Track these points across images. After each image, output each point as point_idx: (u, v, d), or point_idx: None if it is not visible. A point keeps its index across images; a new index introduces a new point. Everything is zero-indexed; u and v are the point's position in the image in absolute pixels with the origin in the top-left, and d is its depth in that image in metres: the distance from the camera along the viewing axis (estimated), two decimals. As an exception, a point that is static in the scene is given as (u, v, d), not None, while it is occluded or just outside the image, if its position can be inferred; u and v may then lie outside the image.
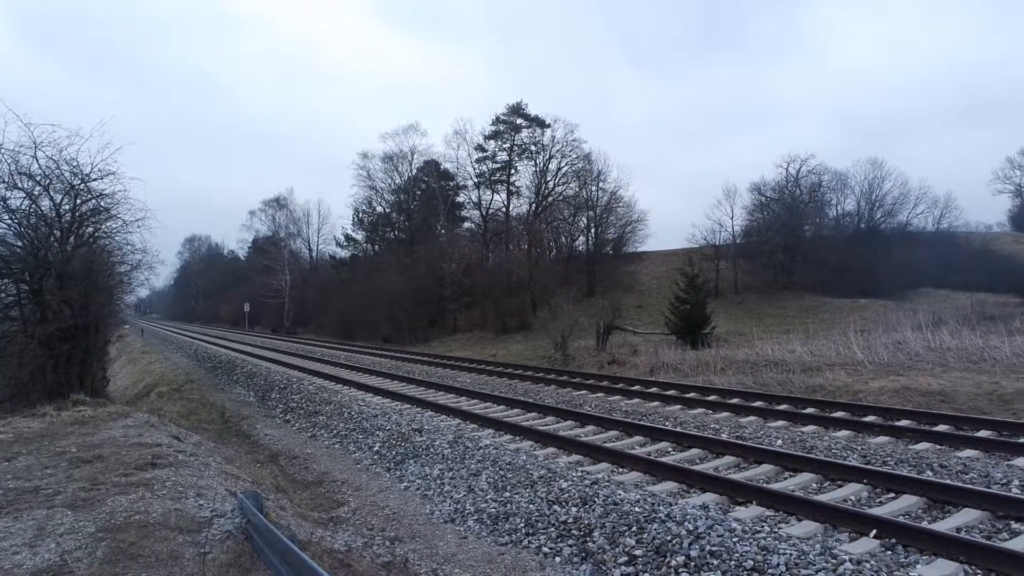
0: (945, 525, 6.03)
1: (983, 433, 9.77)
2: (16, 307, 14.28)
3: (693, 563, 5.42)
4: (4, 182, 13.74)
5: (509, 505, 7.43)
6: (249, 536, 5.50)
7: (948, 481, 7.30)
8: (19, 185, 14.01)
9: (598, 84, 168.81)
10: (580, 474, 7.89)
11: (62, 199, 14.59)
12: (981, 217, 68.27)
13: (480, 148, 52.89)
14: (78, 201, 14.81)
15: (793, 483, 7.64)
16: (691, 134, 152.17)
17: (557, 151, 50.11)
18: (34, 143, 13.66)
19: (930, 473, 7.83)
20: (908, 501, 6.73)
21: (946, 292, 36.92)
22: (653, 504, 6.51)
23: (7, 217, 14.06)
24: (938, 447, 9.14)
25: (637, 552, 5.82)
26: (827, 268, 41.03)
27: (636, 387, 15.88)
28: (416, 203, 55.87)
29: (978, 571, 5.01)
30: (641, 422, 11.16)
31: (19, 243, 14.11)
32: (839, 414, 11.59)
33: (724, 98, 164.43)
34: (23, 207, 14.25)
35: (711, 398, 13.72)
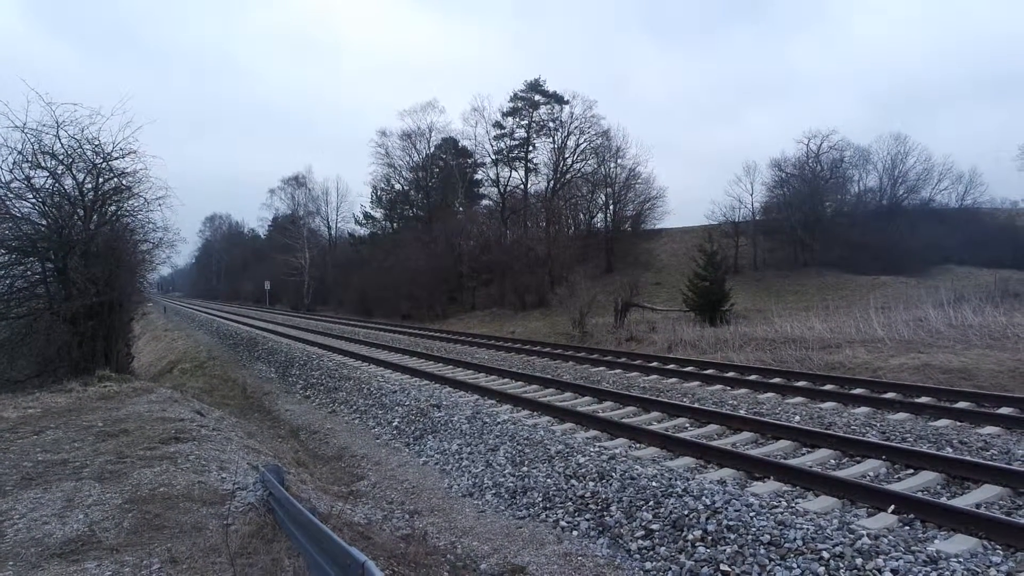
0: (964, 501, 6.01)
1: (1005, 410, 9.66)
2: (42, 285, 14.50)
3: (710, 537, 5.45)
4: (28, 161, 13.91)
5: (527, 480, 7.50)
6: (271, 508, 5.60)
7: (968, 457, 7.25)
8: (43, 164, 14.18)
9: (617, 59, 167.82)
10: (598, 449, 7.93)
11: (85, 178, 14.76)
12: (1006, 193, 67.07)
13: (498, 125, 52.64)
14: (100, 180, 14.97)
15: (811, 459, 7.63)
16: (711, 109, 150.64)
17: (575, 128, 49.83)
18: (56, 122, 13.80)
19: (950, 450, 7.78)
20: (927, 477, 6.70)
21: (969, 269, 36.43)
22: (670, 479, 6.54)
23: (31, 196, 14.27)
24: (958, 424, 9.06)
25: (654, 526, 5.86)
26: (848, 245, 40.58)
27: (654, 364, 15.85)
28: (434, 180, 55.73)
29: (997, 547, 4.99)
30: (659, 398, 11.16)
31: (43, 222, 14.30)
32: (858, 391, 11.51)
33: (745, 71, 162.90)
34: (47, 186, 14.46)
35: (729, 375, 13.67)
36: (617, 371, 14.90)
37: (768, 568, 4.94)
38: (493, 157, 53.42)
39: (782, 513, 5.55)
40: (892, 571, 4.57)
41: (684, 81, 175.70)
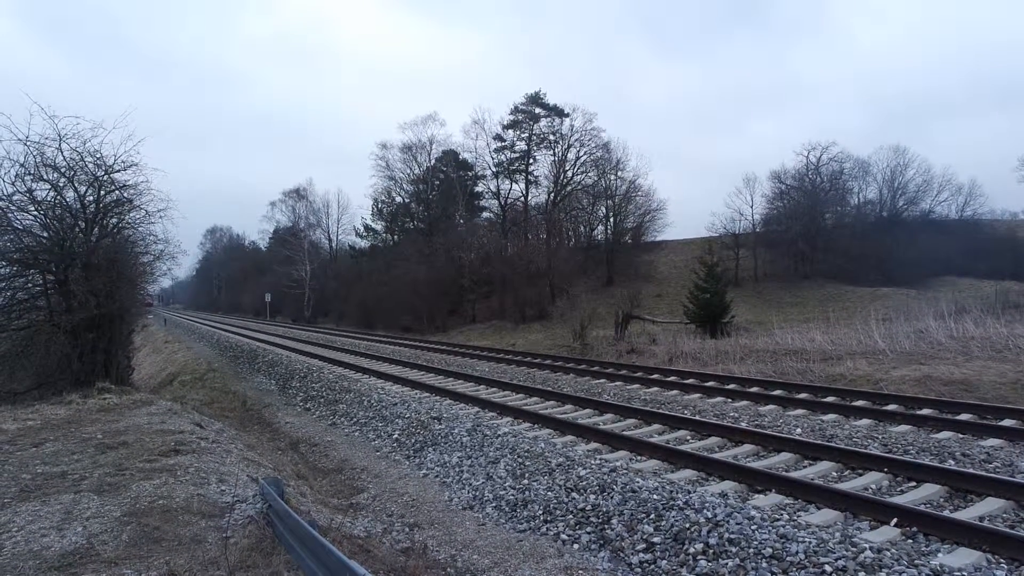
0: (967, 514, 5.98)
1: (1007, 422, 9.64)
2: (43, 297, 14.50)
3: (711, 550, 5.42)
4: (30, 174, 13.94)
5: (527, 492, 7.46)
6: (270, 521, 5.57)
7: (971, 470, 7.22)
8: (44, 177, 14.21)
9: (617, 69, 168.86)
10: (598, 462, 7.90)
11: (86, 190, 14.78)
12: (1006, 204, 67.00)
13: (499, 138, 52.75)
14: (102, 192, 14.99)
15: (813, 471, 7.60)
16: (711, 118, 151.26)
17: (576, 140, 49.95)
18: (59, 135, 13.84)
19: (952, 462, 7.75)
20: (930, 490, 6.67)
21: (970, 280, 36.40)
22: (671, 492, 6.50)
23: (33, 208, 14.28)
24: (961, 436, 9.03)
25: (655, 539, 5.82)
26: (848, 257, 40.63)
27: (655, 376, 15.82)
28: (435, 193, 55.85)
29: (1001, 560, 4.96)
30: (659, 410, 11.13)
31: (45, 234, 14.31)
32: (860, 403, 11.48)
33: (745, 81, 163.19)
34: (48, 198, 14.47)
35: (730, 387, 13.64)
36: (618, 383, 14.87)
37: (770, 582, 4.91)
38: (494, 169, 53.63)
39: (784, 526, 5.52)
40: (895, 585, 4.54)
41: (684, 90, 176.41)
